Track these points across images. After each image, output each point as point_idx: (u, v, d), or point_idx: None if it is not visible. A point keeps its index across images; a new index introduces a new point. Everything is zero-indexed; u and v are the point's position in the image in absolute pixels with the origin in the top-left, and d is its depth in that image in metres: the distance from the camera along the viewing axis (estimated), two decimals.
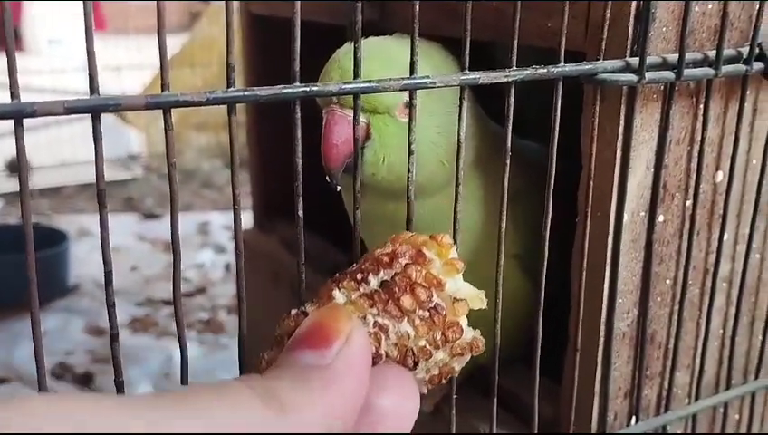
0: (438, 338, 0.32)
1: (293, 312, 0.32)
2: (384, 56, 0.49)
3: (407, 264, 0.33)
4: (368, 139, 0.49)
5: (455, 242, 0.41)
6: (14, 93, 0.28)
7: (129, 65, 3.13)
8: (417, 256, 0.33)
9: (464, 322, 0.33)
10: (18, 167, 0.30)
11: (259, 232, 0.99)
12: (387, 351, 0.31)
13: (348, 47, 0.51)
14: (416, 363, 0.32)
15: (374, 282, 0.32)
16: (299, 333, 0.29)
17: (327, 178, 0.49)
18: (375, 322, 0.31)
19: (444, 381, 0.34)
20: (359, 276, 0.32)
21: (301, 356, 0.28)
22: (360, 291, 0.32)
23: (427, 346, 0.32)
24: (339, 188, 0.49)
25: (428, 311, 0.32)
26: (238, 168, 0.35)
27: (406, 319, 0.32)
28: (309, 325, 0.29)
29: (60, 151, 2.75)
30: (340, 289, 0.32)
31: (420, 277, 0.32)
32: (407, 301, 0.32)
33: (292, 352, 0.28)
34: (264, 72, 0.92)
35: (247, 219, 1.03)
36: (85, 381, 1.47)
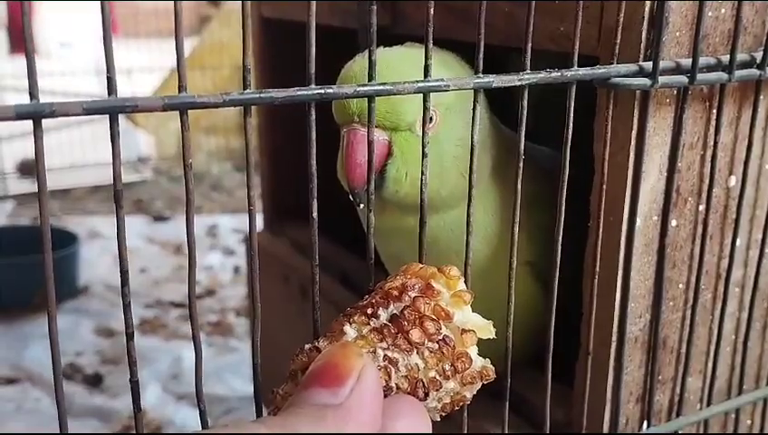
0: (448, 369, 0.33)
1: (307, 347, 0.33)
2: (403, 67, 0.48)
3: (415, 297, 0.34)
4: (390, 156, 0.49)
5: (467, 248, 0.42)
6: (32, 94, 0.28)
7: (140, 68, 3.14)
8: (425, 289, 0.34)
9: (473, 351, 0.34)
10: (36, 167, 0.30)
11: (270, 235, 1.00)
12: (397, 383, 0.32)
13: (359, 57, 0.51)
14: (426, 394, 0.33)
15: (384, 316, 0.33)
16: (312, 371, 0.30)
17: (350, 196, 0.49)
18: (385, 356, 0.32)
19: (456, 409, 0.35)
20: (369, 311, 0.33)
21: (315, 395, 0.29)
22: (370, 325, 0.33)
23: (437, 377, 0.33)
24: (362, 205, 0.49)
25: (437, 343, 0.33)
26: (253, 169, 0.35)
27: (415, 352, 0.33)
28: (321, 364, 0.30)
29: (70, 154, 2.77)
30: (351, 324, 0.33)
31: (429, 310, 0.33)
32: (415, 334, 0.32)
33: (305, 390, 0.29)
34: (276, 75, 0.93)
35: (258, 222, 1.03)
36: (95, 382, 1.48)
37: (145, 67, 3.15)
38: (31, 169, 2.66)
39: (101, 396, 1.43)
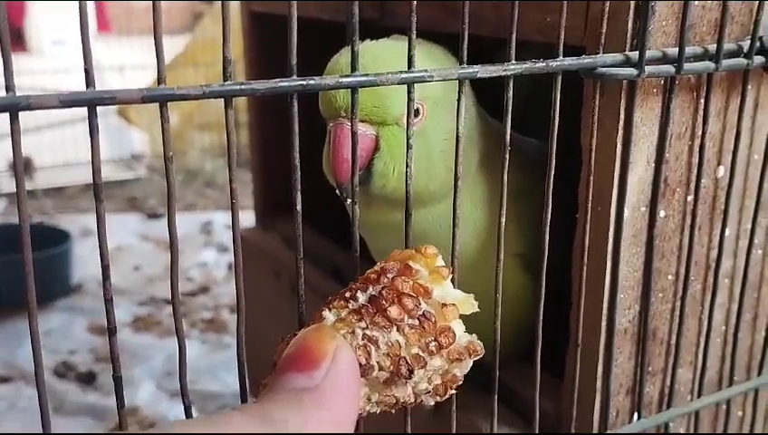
0: (432, 345, 0.33)
1: (288, 336, 0.33)
2: (388, 59, 0.48)
3: (393, 277, 0.33)
4: (377, 150, 0.49)
5: (454, 241, 0.41)
6: (9, 87, 0.28)
7: (133, 65, 3.13)
8: (404, 270, 0.34)
9: (457, 326, 0.34)
10: (13, 162, 0.30)
11: (261, 230, 0.99)
12: (378, 361, 0.32)
13: (346, 50, 0.51)
14: (410, 371, 0.32)
15: (362, 298, 0.33)
16: (286, 356, 0.30)
17: (337, 191, 0.49)
18: (364, 334, 0.32)
19: (451, 391, 0.35)
20: (347, 295, 0.33)
21: (291, 379, 0.29)
22: (348, 308, 0.33)
23: (420, 353, 0.33)
24: (349, 201, 0.49)
25: (418, 319, 0.33)
26: (236, 162, 0.34)
27: (395, 328, 0.32)
28: (295, 348, 0.30)
29: (63, 152, 2.76)
30: (330, 310, 0.33)
31: (407, 288, 0.33)
32: (394, 311, 0.32)
33: (281, 375, 0.29)
34: (265, 70, 0.92)
35: (249, 218, 1.03)
36: (88, 380, 1.47)
37: (138, 64, 3.14)
38: (23, 167, 2.65)
39: (95, 394, 1.43)
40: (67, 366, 1.52)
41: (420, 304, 0.33)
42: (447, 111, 0.50)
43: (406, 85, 0.37)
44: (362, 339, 0.32)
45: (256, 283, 0.92)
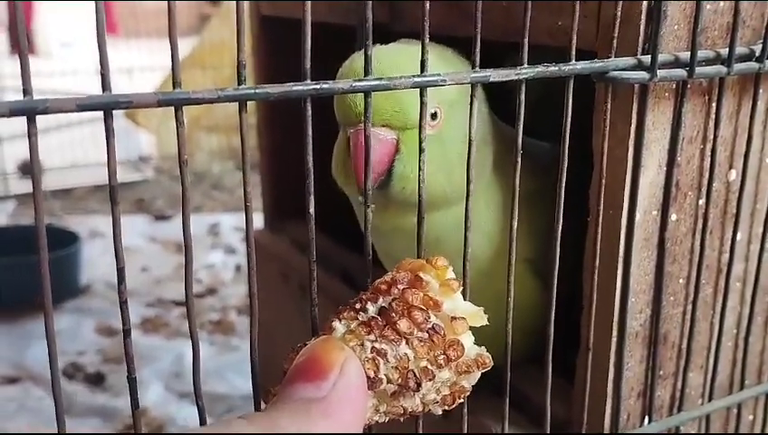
0: (440, 358, 0.33)
1: (299, 346, 0.33)
2: (403, 62, 0.48)
3: (404, 289, 0.34)
4: (396, 153, 0.49)
5: (466, 244, 0.41)
6: (26, 90, 0.28)
7: (141, 68, 3.14)
8: (414, 281, 0.34)
9: (466, 339, 0.34)
10: (30, 165, 0.30)
11: (269, 233, 0.99)
12: (387, 374, 0.32)
13: (359, 54, 0.51)
14: (418, 384, 0.33)
15: (372, 309, 0.33)
16: (295, 367, 0.30)
17: (359, 197, 0.49)
18: (372, 347, 0.32)
19: (459, 400, 0.35)
20: (357, 306, 0.34)
21: (299, 390, 0.29)
22: (358, 319, 0.33)
23: (429, 366, 0.33)
24: (372, 206, 0.49)
25: (427, 332, 0.33)
26: (249, 166, 0.35)
27: (404, 342, 0.32)
28: (304, 359, 0.30)
29: (71, 153, 2.77)
30: (340, 320, 0.33)
31: (417, 300, 0.33)
32: (403, 324, 0.32)
33: (290, 386, 0.29)
34: (275, 74, 0.93)
35: (258, 220, 1.03)
36: (96, 381, 1.48)
37: (146, 66, 3.15)
38: (31, 168, 2.65)
39: (103, 395, 1.43)
40: (76, 367, 1.52)
41: (430, 317, 0.33)
42: (464, 115, 0.50)
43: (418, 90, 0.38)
44: (371, 352, 0.32)
45: (265, 286, 0.92)
